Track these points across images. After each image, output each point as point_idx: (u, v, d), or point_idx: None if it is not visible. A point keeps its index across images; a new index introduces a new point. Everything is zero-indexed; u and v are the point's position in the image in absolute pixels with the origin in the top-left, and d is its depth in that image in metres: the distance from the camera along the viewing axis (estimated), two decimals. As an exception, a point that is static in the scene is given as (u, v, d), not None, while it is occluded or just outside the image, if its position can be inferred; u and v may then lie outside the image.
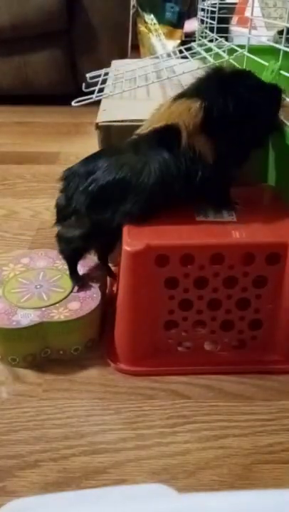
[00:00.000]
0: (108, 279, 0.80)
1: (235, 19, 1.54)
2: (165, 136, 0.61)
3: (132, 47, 2.02)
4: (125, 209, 0.63)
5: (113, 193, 0.62)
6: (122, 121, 0.73)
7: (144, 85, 0.90)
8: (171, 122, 0.61)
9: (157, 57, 1.21)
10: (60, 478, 0.53)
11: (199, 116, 0.60)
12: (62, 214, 0.68)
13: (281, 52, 0.69)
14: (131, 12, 1.88)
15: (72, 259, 0.73)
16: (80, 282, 0.72)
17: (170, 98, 0.65)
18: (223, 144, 0.61)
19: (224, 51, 0.91)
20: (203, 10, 1.31)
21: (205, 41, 1.18)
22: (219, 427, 0.59)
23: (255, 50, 0.83)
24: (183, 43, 2.09)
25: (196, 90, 0.63)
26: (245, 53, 0.83)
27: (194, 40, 1.33)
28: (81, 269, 0.74)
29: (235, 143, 0.62)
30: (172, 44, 2.31)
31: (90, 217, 0.65)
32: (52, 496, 0.32)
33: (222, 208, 0.67)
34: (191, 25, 2.34)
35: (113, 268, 0.84)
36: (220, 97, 0.59)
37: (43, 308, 0.68)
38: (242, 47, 0.85)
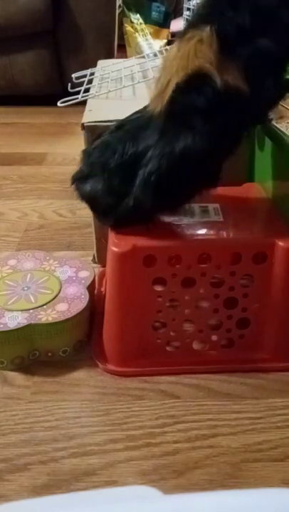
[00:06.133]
0: (96, 279, 0.79)
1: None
2: (196, 87, 0.51)
3: (118, 47, 2.01)
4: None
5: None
6: (108, 121, 0.73)
7: (130, 85, 0.90)
8: (190, 69, 0.51)
9: (143, 57, 1.21)
10: (50, 480, 0.53)
11: (215, 42, 0.49)
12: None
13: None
14: (117, 12, 1.87)
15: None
16: None
17: (177, 36, 0.55)
18: (253, 64, 0.50)
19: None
20: (188, 9, 1.31)
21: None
22: (208, 426, 0.59)
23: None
24: (169, 43, 2.09)
25: (202, 14, 0.52)
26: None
27: (180, 40, 1.33)
28: (68, 270, 0.74)
29: (264, 60, 0.51)
30: (158, 43, 2.32)
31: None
32: (40, 500, 0.32)
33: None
34: (177, 24, 2.34)
35: (101, 269, 0.84)
36: (230, 11, 0.49)
37: (31, 310, 0.67)
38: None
